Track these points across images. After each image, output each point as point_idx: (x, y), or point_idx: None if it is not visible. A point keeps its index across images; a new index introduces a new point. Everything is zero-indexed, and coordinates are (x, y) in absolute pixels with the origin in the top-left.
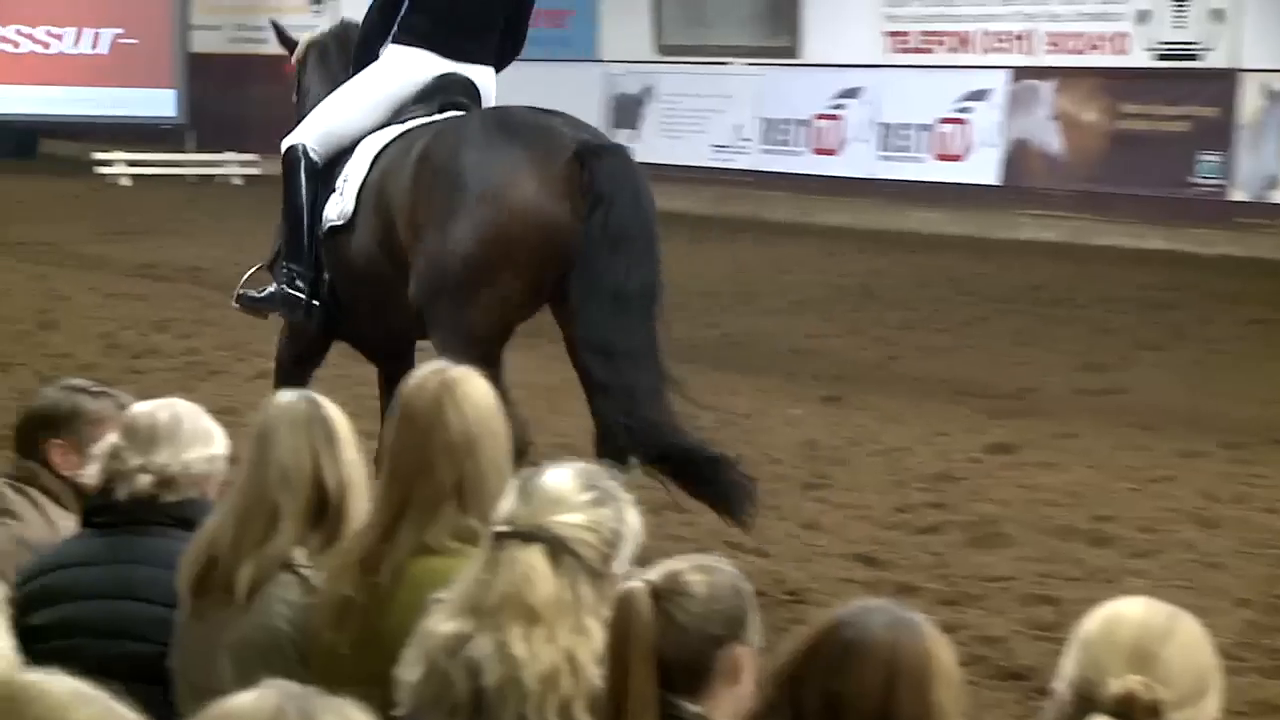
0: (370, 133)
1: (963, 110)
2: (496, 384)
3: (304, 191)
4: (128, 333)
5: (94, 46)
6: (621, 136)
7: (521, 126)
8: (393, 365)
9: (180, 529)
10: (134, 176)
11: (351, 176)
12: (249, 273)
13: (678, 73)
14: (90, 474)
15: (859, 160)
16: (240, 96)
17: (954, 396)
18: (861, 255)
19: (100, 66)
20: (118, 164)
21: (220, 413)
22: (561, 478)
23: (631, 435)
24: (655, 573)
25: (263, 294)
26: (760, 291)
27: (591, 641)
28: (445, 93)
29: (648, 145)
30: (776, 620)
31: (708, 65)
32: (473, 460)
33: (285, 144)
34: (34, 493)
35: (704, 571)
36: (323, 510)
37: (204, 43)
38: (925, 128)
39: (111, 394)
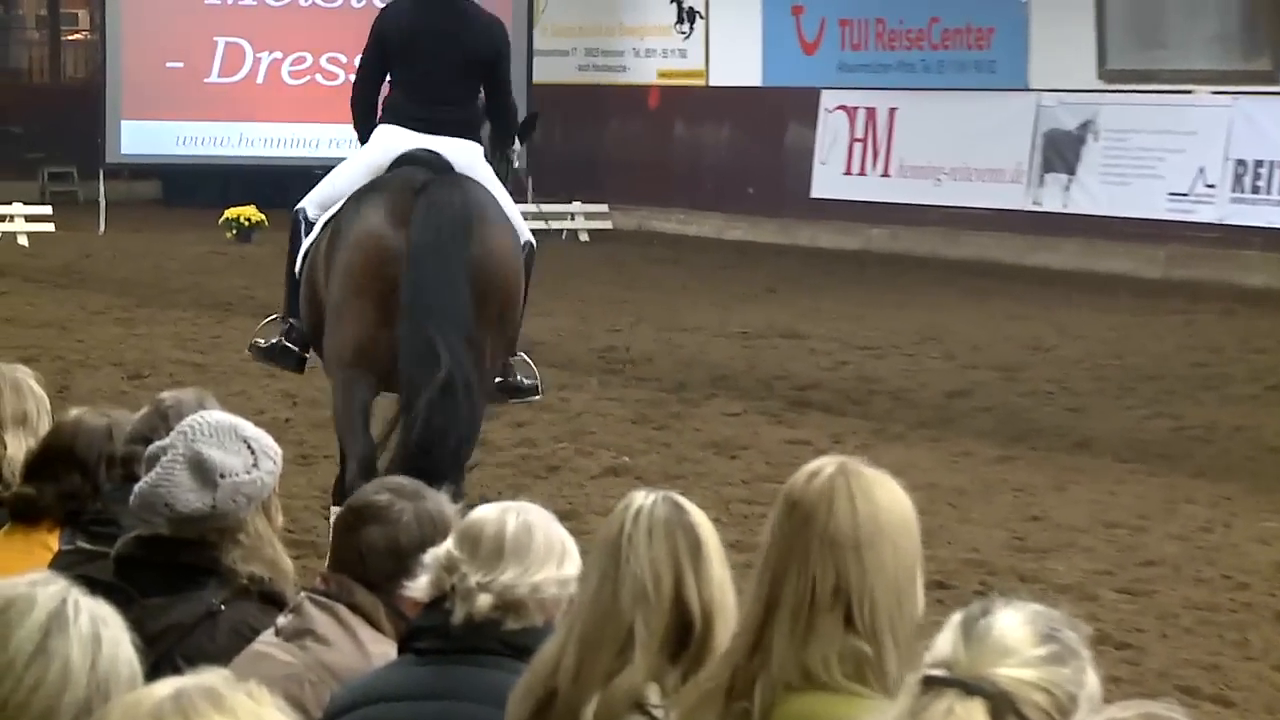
0: None
1: None
2: (361, 410)
3: (300, 250)
4: None
5: None
6: (1055, 182)
7: (389, 180)
8: None
9: (515, 659)
10: None
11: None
12: (264, 322)
13: (1126, 104)
14: (416, 589)
15: None
16: (589, 135)
17: None
18: None
19: None
20: None
21: (559, 516)
22: (1015, 623)
23: (406, 444)
24: None
25: (266, 345)
26: (1228, 374)
27: None
28: (410, 163)
29: (1086, 192)
30: None
31: (1164, 95)
32: (859, 563)
33: (296, 208)
34: (342, 610)
35: None
36: (684, 638)
37: (548, 71)
38: None
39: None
